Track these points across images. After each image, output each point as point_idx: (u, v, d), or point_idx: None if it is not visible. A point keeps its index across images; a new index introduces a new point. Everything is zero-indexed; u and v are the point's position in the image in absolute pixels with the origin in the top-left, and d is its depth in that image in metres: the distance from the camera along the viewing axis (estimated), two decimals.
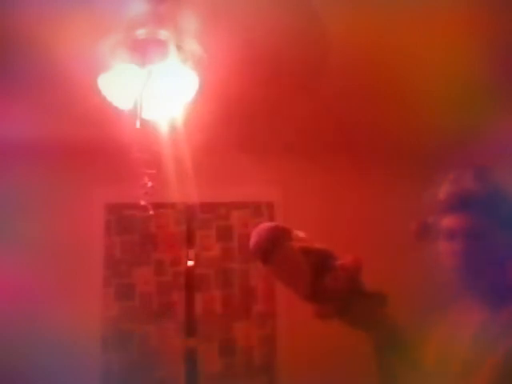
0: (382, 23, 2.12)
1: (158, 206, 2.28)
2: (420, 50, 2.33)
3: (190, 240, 3.11)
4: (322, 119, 3.06)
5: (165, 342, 3.37)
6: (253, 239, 1.26)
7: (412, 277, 2.96)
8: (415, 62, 2.44)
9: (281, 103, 2.86)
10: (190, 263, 3.05)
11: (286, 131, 3.20)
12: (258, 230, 1.27)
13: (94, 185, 3.41)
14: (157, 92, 2.13)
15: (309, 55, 2.38)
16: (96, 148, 3.12)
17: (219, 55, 2.31)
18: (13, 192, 3.26)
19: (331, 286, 1.19)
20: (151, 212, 2.44)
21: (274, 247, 1.22)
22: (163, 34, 2.08)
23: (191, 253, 3.13)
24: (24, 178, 3.30)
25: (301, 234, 1.30)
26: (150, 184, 2.26)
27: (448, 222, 1.37)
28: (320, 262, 1.21)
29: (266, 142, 3.30)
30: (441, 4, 2.02)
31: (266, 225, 1.29)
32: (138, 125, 2.15)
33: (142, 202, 2.28)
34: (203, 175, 2.87)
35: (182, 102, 2.25)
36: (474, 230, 1.33)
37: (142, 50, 2.08)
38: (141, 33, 2.08)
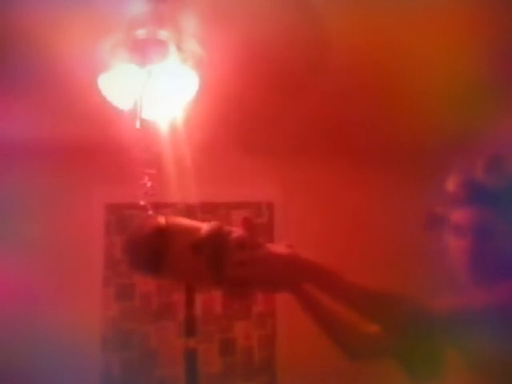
0: (382, 23, 2.12)
1: (157, 205, 2.28)
2: (420, 50, 2.33)
3: None
4: (322, 119, 3.06)
5: (165, 342, 3.37)
6: (133, 250, 1.12)
7: (412, 276, 2.95)
8: (415, 62, 2.44)
9: (281, 103, 2.86)
10: None
11: (285, 131, 3.20)
12: (135, 240, 1.12)
13: (93, 185, 3.41)
14: (157, 92, 2.13)
15: (309, 55, 2.38)
16: (96, 148, 3.12)
17: (219, 55, 2.31)
18: (13, 192, 3.26)
19: (237, 270, 1.09)
20: (151, 212, 2.43)
21: (158, 255, 1.09)
22: (163, 34, 2.08)
23: None
24: (24, 177, 3.30)
25: (178, 219, 1.16)
26: (149, 184, 2.26)
27: (457, 216, 1.31)
28: (215, 252, 1.10)
29: (265, 141, 3.30)
30: (441, 4, 2.02)
31: (142, 230, 1.12)
32: (138, 125, 2.16)
33: (142, 202, 2.28)
34: (203, 175, 2.86)
35: (182, 101, 2.25)
36: (484, 226, 1.26)
37: (142, 50, 2.08)
38: (141, 33, 2.08)
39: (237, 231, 1.14)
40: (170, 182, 2.67)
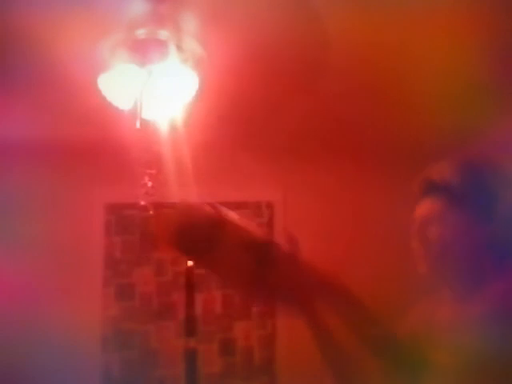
0: (383, 23, 2.12)
1: (157, 205, 2.28)
2: (420, 50, 2.33)
3: None
4: (322, 119, 3.06)
5: (165, 342, 3.37)
6: (186, 234, 1.14)
7: (411, 275, 2.95)
8: (415, 62, 2.44)
9: (281, 103, 2.86)
10: (190, 263, 3.05)
11: (286, 131, 3.20)
12: (190, 226, 1.15)
13: (94, 185, 3.41)
14: (157, 92, 2.13)
15: (309, 55, 2.38)
16: (96, 148, 3.12)
17: (219, 55, 2.31)
18: (13, 192, 3.26)
19: (275, 282, 1.14)
20: (151, 212, 2.44)
21: (210, 244, 1.13)
22: (163, 33, 2.08)
23: None
24: (24, 177, 3.30)
25: (234, 215, 1.20)
26: (150, 184, 2.27)
27: (421, 208, 1.36)
28: (262, 256, 1.15)
29: (266, 141, 3.30)
30: (441, 4, 2.02)
31: (198, 217, 1.16)
32: (138, 125, 2.16)
33: (142, 202, 2.28)
34: (203, 175, 2.86)
35: (182, 101, 2.25)
36: (446, 217, 1.31)
37: (142, 50, 2.09)
38: (141, 33, 2.08)
39: (285, 245, 1.19)
40: (169, 182, 2.67)
